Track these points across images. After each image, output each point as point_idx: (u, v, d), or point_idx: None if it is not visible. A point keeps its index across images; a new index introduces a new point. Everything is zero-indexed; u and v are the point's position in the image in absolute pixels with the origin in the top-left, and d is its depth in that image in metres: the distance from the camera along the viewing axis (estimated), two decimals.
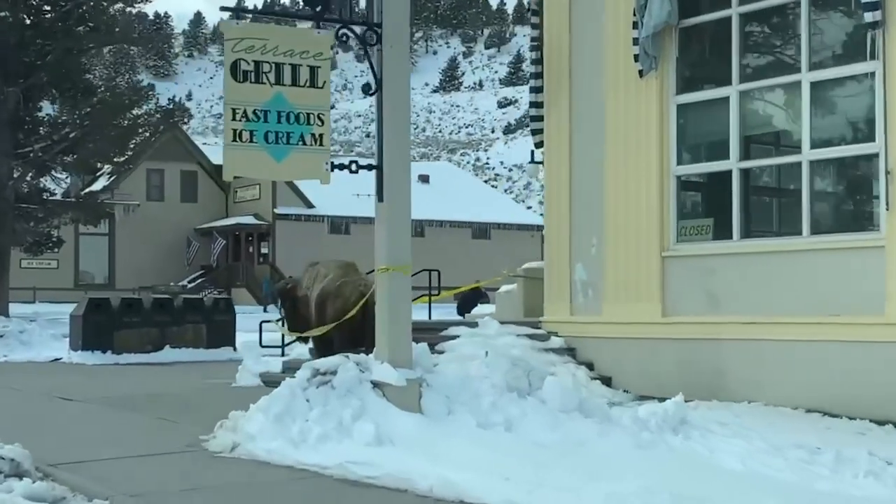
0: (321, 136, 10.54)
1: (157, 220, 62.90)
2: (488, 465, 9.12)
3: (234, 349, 25.14)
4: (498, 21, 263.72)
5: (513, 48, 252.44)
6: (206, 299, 25.61)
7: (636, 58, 14.55)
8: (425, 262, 67.59)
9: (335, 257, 64.01)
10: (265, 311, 48.08)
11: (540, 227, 78.59)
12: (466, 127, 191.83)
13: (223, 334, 25.09)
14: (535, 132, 17.32)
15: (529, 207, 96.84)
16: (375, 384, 10.65)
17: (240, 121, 10.09)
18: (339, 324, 15.22)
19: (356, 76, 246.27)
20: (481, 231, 68.58)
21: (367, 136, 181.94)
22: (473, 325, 15.62)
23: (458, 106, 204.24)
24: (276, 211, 62.81)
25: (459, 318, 22.51)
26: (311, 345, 16.74)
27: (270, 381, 16.17)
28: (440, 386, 10.85)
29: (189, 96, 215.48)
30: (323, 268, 16.57)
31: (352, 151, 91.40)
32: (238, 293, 59.27)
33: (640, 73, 14.56)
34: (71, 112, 41.99)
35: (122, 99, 43.54)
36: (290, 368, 16.60)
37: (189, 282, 62.32)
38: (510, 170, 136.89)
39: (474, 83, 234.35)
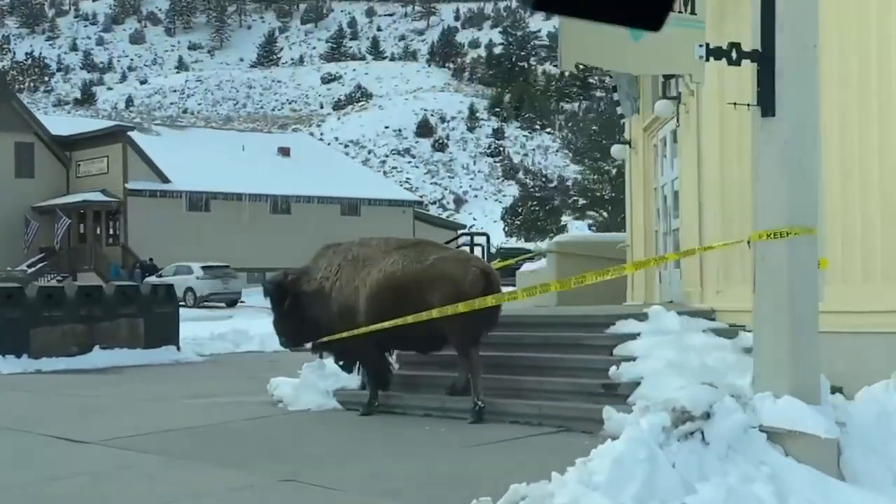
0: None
1: None
2: None
3: (178, 348, 20.08)
4: None
5: (331, 24, 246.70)
6: (143, 287, 20.25)
7: None
8: (293, 240, 62.44)
9: (194, 236, 58.10)
10: None
11: (412, 203, 74.59)
12: (290, 102, 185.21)
13: (164, 330, 19.98)
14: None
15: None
16: (767, 433, 6.20)
17: None
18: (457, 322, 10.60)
19: (167, 50, 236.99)
20: (351, 207, 63.73)
21: (185, 111, 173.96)
22: (641, 316, 11.15)
23: (279, 81, 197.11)
24: (128, 186, 56.34)
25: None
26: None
27: (353, 403, 11.47)
28: (856, 430, 6.47)
29: None
30: (363, 249, 11.54)
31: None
32: (85, 279, 52.76)
33: None
34: None
35: None
36: None
37: (28, 266, 55.31)
38: (346, 146, 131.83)
39: (292, 59, 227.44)
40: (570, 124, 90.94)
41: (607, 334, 10.80)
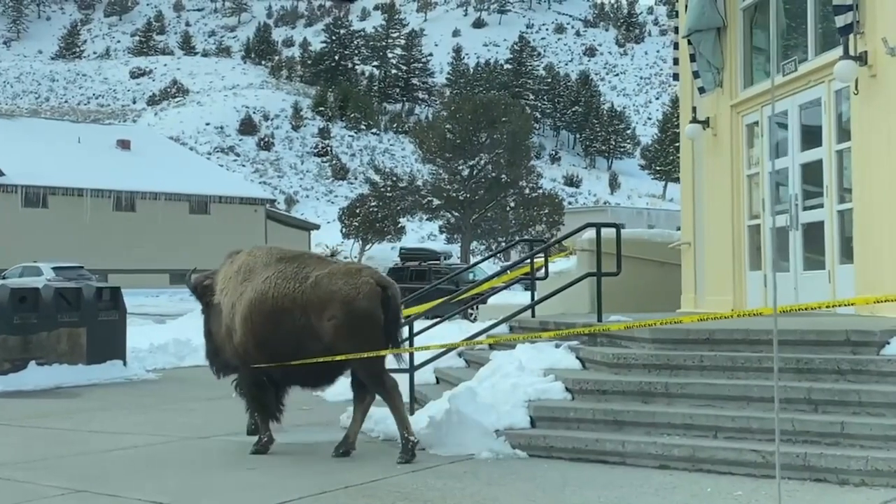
0: None
1: None
2: None
3: (125, 363, 16.70)
4: None
5: (136, 17, 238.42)
6: (86, 288, 16.66)
7: None
8: (139, 239, 57.75)
9: (31, 234, 53.63)
10: None
11: (264, 201, 70.69)
12: (97, 97, 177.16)
13: (109, 342, 16.57)
14: (844, 29, 10.84)
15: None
16: None
17: None
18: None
19: None
20: (200, 205, 59.84)
21: None
22: None
23: (84, 75, 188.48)
24: None
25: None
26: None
27: (534, 448, 8.65)
28: None
29: None
30: (250, 259, 9.60)
31: None
32: None
33: None
34: None
35: None
36: (549, 419, 9.04)
37: None
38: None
39: (96, 52, 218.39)
40: (423, 124, 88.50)
41: (888, 357, 8.28)
